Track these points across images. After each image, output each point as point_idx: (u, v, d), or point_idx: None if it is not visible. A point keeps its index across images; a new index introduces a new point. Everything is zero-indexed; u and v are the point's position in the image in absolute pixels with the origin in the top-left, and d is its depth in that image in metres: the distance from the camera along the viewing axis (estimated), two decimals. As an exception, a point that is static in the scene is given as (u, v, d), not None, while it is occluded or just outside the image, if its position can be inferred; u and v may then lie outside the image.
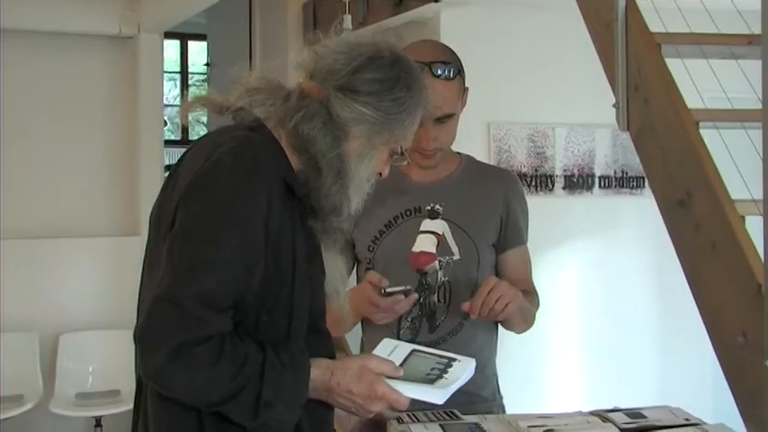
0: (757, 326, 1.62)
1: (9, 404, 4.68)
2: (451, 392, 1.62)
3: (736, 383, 1.76)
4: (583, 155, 4.73)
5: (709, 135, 1.97)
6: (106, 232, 5.52)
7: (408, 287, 1.95)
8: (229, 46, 6.99)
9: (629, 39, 2.20)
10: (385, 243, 2.14)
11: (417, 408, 1.74)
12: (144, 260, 1.65)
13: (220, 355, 1.41)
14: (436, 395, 1.59)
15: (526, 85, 4.53)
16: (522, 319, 2.16)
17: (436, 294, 2.13)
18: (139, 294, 1.67)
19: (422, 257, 2.13)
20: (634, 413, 1.88)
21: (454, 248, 2.13)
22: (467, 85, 2.15)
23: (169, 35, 7.33)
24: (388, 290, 1.93)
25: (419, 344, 1.93)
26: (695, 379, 4.64)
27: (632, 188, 4.81)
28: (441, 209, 2.14)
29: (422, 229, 2.14)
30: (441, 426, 1.82)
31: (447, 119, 2.08)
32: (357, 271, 2.21)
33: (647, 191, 4.28)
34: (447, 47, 2.16)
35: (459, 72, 2.10)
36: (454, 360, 1.71)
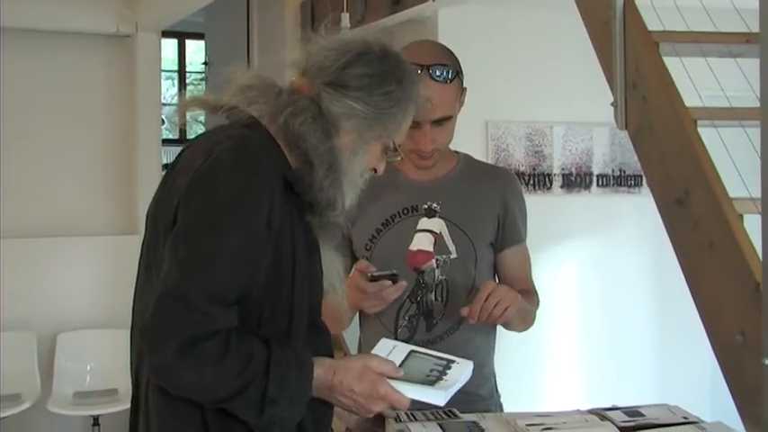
0: (755, 324, 1.62)
1: (7, 403, 4.68)
2: (452, 394, 1.62)
3: (735, 382, 1.76)
4: (581, 153, 4.73)
5: (707, 133, 1.97)
6: (104, 231, 5.52)
7: (394, 272, 1.95)
8: (227, 45, 6.98)
9: (627, 37, 2.19)
10: (382, 241, 2.14)
11: (416, 408, 1.74)
12: (140, 259, 1.65)
13: (227, 351, 1.41)
14: (438, 396, 1.60)
15: (524, 83, 4.54)
16: (522, 320, 2.16)
17: (433, 293, 2.13)
18: (134, 294, 1.67)
19: (419, 256, 2.12)
20: (632, 411, 1.88)
21: (451, 247, 2.13)
22: (464, 84, 2.15)
23: (167, 34, 7.33)
24: (374, 274, 1.94)
25: (416, 343, 1.93)
26: (693, 377, 4.64)
27: (630, 187, 4.81)
28: (438, 207, 2.14)
29: (419, 227, 2.14)
30: (439, 425, 1.82)
31: (445, 121, 2.08)
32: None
33: (645, 189, 4.30)
34: (445, 48, 2.16)
35: (458, 74, 2.09)
36: (453, 362, 1.71)
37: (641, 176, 4.62)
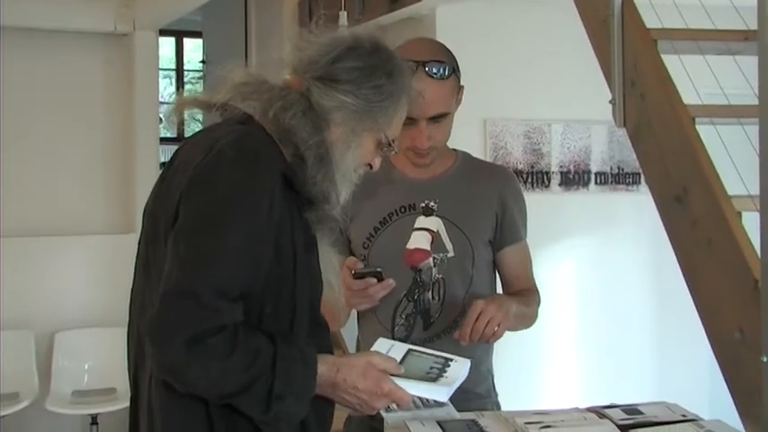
0: (754, 322, 1.62)
1: (5, 402, 4.68)
2: (453, 391, 1.62)
3: (733, 379, 1.76)
4: (579, 151, 4.72)
5: (705, 131, 1.97)
6: (102, 230, 5.52)
7: (379, 269, 1.95)
8: (225, 43, 6.98)
9: (625, 35, 2.19)
10: (380, 240, 2.14)
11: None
12: (137, 258, 1.65)
13: (234, 346, 1.41)
14: (440, 392, 1.62)
15: (522, 81, 4.53)
16: (520, 323, 2.15)
17: (430, 291, 2.13)
18: (132, 293, 1.67)
19: (416, 254, 2.12)
20: (631, 409, 1.88)
21: (448, 245, 2.13)
22: (462, 82, 2.15)
23: (164, 32, 7.33)
24: (359, 271, 1.94)
25: (414, 342, 1.93)
26: (692, 375, 4.64)
27: (628, 184, 4.81)
28: (435, 206, 2.14)
29: (416, 226, 2.14)
30: (438, 423, 1.82)
31: (441, 118, 2.07)
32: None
33: (644, 187, 4.31)
34: (442, 45, 2.16)
35: (454, 71, 2.09)
36: (451, 360, 1.72)
37: (639, 174, 4.62)
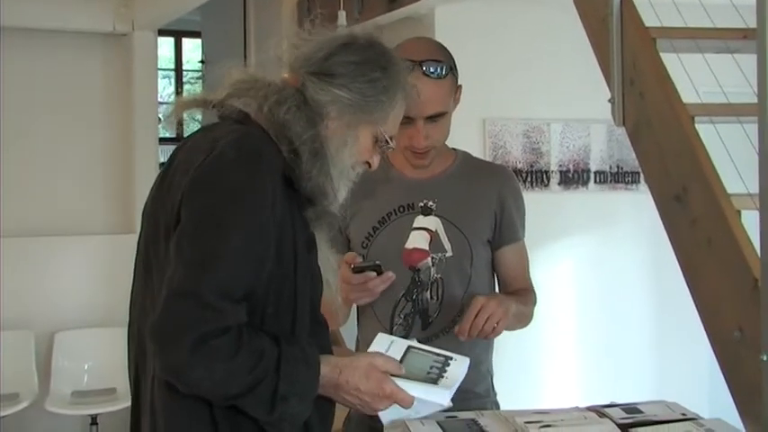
0: (754, 320, 1.62)
1: (5, 403, 4.68)
2: (454, 392, 1.63)
3: (733, 378, 1.76)
4: (578, 150, 4.73)
5: (704, 130, 1.97)
6: (101, 230, 5.51)
7: (377, 262, 1.95)
8: (224, 43, 6.97)
9: (624, 33, 2.19)
10: (378, 240, 2.14)
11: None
12: (137, 258, 1.64)
13: (239, 347, 1.41)
14: (442, 396, 1.62)
15: (521, 80, 4.53)
16: (517, 322, 2.15)
17: (429, 291, 2.13)
18: (132, 294, 1.66)
19: (414, 254, 2.12)
20: (631, 408, 1.88)
21: (447, 245, 2.13)
22: (461, 82, 2.14)
23: (163, 32, 7.32)
24: (358, 265, 1.94)
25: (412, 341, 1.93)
26: (692, 374, 4.64)
27: (628, 183, 4.81)
28: (434, 205, 2.14)
29: (414, 225, 2.14)
30: (438, 423, 1.82)
31: (439, 117, 2.07)
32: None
33: (643, 186, 4.30)
34: (439, 44, 2.15)
35: (452, 70, 2.09)
36: (450, 359, 1.72)
37: (639, 173, 4.62)
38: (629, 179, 4.80)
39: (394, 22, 4.43)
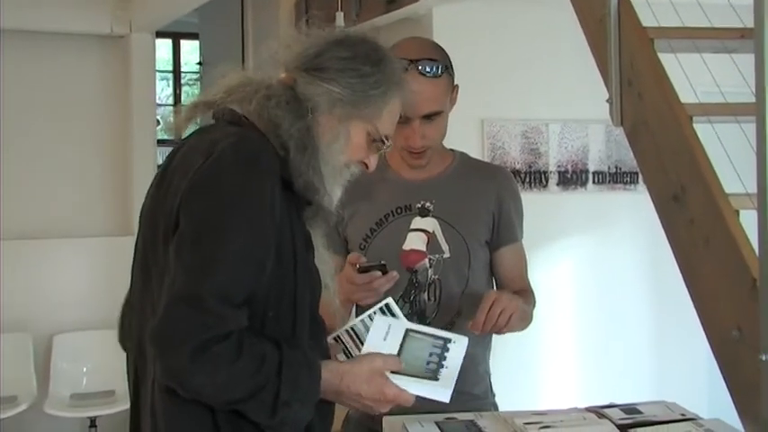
0: (752, 320, 1.61)
1: (3, 405, 4.67)
2: (454, 384, 1.63)
3: (732, 378, 1.75)
4: (576, 151, 4.72)
5: (702, 129, 1.97)
6: (99, 232, 5.51)
7: (383, 262, 1.94)
8: (222, 45, 6.96)
9: (621, 34, 2.19)
10: (376, 241, 2.14)
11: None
12: (134, 260, 1.64)
13: (240, 353, 1.40)
14: (443, 394, 1.62)
15: (519, 81, 4.53)
16: (521, 322, 2.15)
17: (426, 292, 2.13)
18: (129, 295, 1.66)
19: (412, 255, 2.12)
20: (630, 409, 1.88)
21: (444, 246, 2.13)
22: (459, 82, 2.14)
23: (161, 34, 7.31)
24: (363, 265, 1.94)
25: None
26: (690, 374, 4.64)
27: (626, 183, 4.81)
28: (431, 206, 2.14)
29: (412, 227, 2.14)
30: (437, 423, 1.82)
31: (435, 116, 2.07)
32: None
33: (641, 186, 4.30)
34: (435, 43, 2.16)
35: (447, 69, 2.09)
36: (449, 341, 1.72)
37: (637, 173, 4.61)
38: (628, 179, 4.80)
39: (392, 23, 4.42)
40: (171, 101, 10.93)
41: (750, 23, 1.66)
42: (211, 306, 1.38)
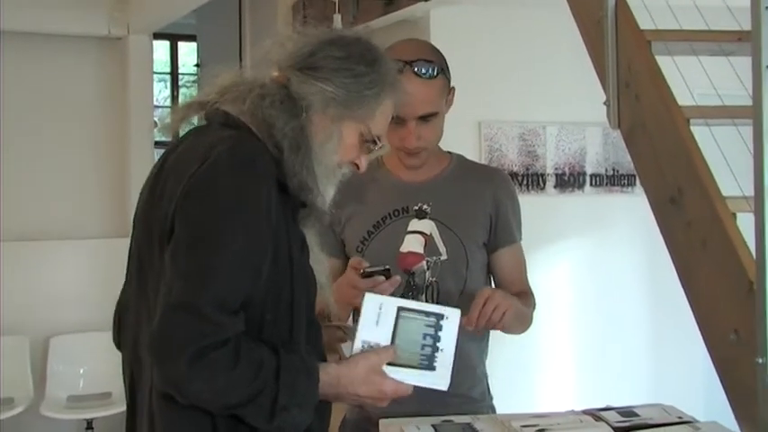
0: (749, 323, 1.61)
1: (0, 407, 4.66)
2: (451, 367, 1.62)
3: (729, 381, 1.75)
4: (574, 153, 4.72)
5: (699, 132, 1.97)
6: (96, 234, 5.50)
7: (387, 266, 1.93)
8: (219, 46, 6.97)
9: (619, 36, 2.19)
10: (373, 244, 2.13)
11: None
12: (129, 263, 1.63)
13: (238, 359, 1.40)
14: (441, 383, 1.63)
15: (517, 83, 4.53)
16: (519, 323, 2.14)
17: (424, 294, 2.12)
18: (123, 296, 1.65)
19: (409, 258, 2.12)
20: (627, 411, 1.88)
21: (442, 248, 2.12)
22: (455, 84, 2.14)
23: (158, 36, 7.31)
24: (367, 270, 1.92)
25: None
26: (688, 377, 4.64)
27: (623, 186, 4.81)
28: (428, 209, 2.14)
29: (409, 229, 2.13)
30: (433, 426, 1.82)
31: (431, 117, 2.07)
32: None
33: (639, 189, 4.30)
34: (430, 45, 2.15)
35: (443, 70, 2.09)
36: (441, 317, 1.69)
37: (634, 176, 4.61)
38: (625, 182, 4.80)
39: (390, 25, 4.42)
40: (168, 103, 10.93)
41: (747, 26, 1.66)
42: (208, 314, 1.38)
